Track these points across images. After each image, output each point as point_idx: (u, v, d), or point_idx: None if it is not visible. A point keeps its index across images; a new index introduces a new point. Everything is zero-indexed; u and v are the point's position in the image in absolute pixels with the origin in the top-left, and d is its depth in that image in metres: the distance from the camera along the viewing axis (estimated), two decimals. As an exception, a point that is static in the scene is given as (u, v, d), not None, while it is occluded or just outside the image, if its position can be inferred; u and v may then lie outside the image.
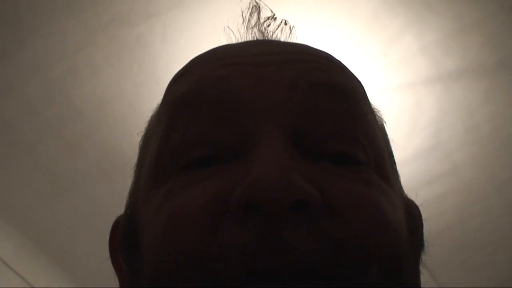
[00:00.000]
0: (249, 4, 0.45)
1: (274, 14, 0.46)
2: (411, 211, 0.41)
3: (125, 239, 0.39)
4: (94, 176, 2.01)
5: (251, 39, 0.44)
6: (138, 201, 0.39)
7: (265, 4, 0.46)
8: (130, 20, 1.62)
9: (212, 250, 0.30)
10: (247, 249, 0.30)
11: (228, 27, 0.45)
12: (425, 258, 0.41)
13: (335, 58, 0.42)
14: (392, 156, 0.43)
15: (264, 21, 0.45)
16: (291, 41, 0.45)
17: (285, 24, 0.45)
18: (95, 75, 1.74)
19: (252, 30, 0.44)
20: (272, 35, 0.45)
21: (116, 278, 0.43)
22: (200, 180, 0.34)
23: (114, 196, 1.98)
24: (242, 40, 0.44)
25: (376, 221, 0.33)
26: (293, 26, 0.45)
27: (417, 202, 0.45)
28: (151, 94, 1.76)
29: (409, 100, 1.83)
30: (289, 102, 0.35)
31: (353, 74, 0.42)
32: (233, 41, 0.45)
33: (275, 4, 0.46)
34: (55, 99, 1.78)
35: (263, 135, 0.33)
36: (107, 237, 0.45)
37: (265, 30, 0.45)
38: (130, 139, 1.87)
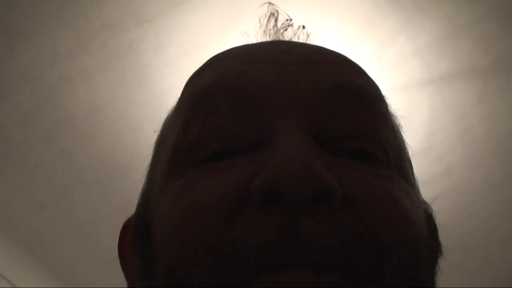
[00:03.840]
0: (267, 9, 0.45)
1: (291, 19, 0.45)
2: (430, 215, 0.41)
3: (137, 234, 0.38)
4: (87, 183, 2.00)
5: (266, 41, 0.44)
6: (151, 197, 0.38)
7: (279, 9, 0.45)
8: (122, 26, 1.62)
9: (230, 241, 0.30)
10: (266, 243, 0.29)
11: (245, 32, 0.45)
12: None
13: (353, 61, 0.42)
14: (410, 159, 0.42)
15: (282, 26, 0.45)
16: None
17: (303, 28, 0.45)
18: (87, 82, 1.74)
19: (269, 34, 0.44)
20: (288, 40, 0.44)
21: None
22: (219, 172, 0.33)
23: (108, 203, 1.97)
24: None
25: (396, 215, 0.32)
26: (310, 32, 0.45)
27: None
28: (144, 101, 1.76)
29: (402, 103, 1.83)
30: (309, 101, 0.35)
31: (371, 78, 0.42)
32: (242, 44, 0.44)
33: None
34: (47, 106, 1.78)
35: (283, 127, 0.33)
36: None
37: (281, 35, 0.44)
38: (122, 145, 1.86)
